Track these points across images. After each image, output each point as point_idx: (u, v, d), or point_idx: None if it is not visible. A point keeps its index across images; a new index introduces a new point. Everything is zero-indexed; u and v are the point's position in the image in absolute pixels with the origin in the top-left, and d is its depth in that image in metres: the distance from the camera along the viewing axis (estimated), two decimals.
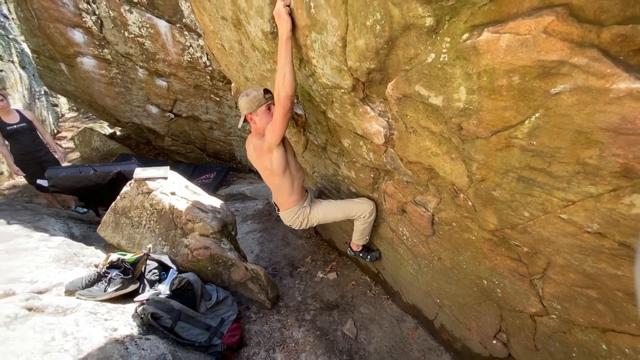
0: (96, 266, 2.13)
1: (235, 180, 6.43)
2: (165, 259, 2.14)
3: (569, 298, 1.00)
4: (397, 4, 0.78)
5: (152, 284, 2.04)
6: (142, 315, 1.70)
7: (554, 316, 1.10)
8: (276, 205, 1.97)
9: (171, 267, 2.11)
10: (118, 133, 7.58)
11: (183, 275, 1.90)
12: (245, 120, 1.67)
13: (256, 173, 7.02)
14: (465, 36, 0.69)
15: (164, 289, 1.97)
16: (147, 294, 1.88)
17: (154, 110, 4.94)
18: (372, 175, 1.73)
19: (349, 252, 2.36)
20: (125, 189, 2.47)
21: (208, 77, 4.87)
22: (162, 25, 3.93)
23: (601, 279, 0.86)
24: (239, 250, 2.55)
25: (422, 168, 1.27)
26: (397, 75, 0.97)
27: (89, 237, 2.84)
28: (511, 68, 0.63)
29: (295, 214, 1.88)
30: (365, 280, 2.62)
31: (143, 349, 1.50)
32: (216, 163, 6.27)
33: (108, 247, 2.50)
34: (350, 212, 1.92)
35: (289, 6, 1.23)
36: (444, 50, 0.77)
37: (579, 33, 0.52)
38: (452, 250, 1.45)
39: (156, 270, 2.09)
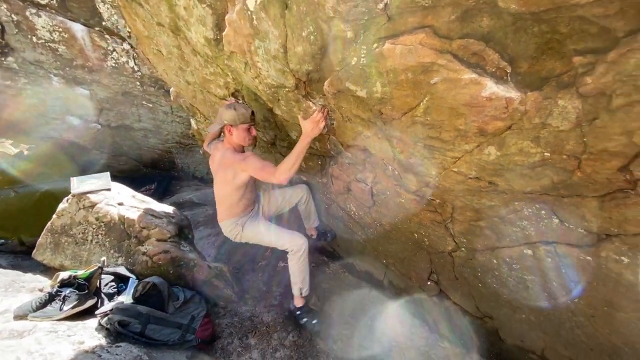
0: (40, 290, 1.98)
1: (180, 189, 6.14)
2: (122, 270, 2.10)
3: (469, 231, 1.37)
4: (325, 20, 1.02)
5: (110, 297, 1.99)
6: (108, 325, 1.68)
7: (463, 249, 1.48)
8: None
9: (130, 277, 2.08)
10: (26, 152, 6.56)
11: (147, 279, 1.90)
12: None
13: (200, 179, 6.79)
14: (375, 45, 0.96)
15: (126, 299, 1.94)
16: (109, 305, 1.84)
17: (75, 121, 4.48)
18: (319, 162, 1.98)
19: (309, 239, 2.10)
20: (62, 205, 2.31)
21: (138, 83, 4.60)
22: (78, 29, 3.61)
23: (484, 211, 1.23)
24: (199, 252, 2.58)
25: (359, 149, 1.56)
26: (331, 74, 1.22)
27: (20, 266, 2.54)
28: (405, 67, 0.91)
29: (230, 227, 1.95)
30: (323, 259, 2.88)
31: (117, 354, 1.52)
32: (155, 173, 5.92)
33: (49, 271, 2.31)
34: (280, 243, 1.95)
35: (323, 113, 1.45)
36: (363, 55, 1.03)
37: (439, 44, 0.82)
38: (390, 215, 1.77)
39: (113, 283, 2.04)
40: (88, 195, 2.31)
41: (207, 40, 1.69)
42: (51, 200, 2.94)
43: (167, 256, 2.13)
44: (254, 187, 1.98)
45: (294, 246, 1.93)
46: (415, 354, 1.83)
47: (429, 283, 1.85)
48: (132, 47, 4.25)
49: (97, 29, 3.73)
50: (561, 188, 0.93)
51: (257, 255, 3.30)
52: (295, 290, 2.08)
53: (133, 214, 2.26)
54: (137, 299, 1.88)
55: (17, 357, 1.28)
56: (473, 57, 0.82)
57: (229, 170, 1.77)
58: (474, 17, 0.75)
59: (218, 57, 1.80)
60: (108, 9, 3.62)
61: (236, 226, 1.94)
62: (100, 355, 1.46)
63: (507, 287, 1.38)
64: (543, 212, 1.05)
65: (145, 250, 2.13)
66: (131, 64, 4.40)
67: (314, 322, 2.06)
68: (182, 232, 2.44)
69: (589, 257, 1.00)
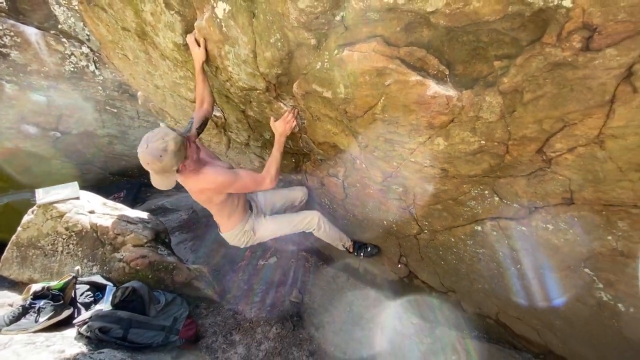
0: (11, 305, 1.90)
1: (150, 196, 5.95)
2: (98, 278, 2.07)
3: (429, 214, 1.54)
4: (290, 29, 1.12)
5: (87, 306, 1.96)
6: (88, 333, 1.68)
7: (425, 231, 1.65)
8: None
9: (107, 285, 2.05)
10: None
11: (125, 285, 1.90)
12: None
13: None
14: (336, 52, 1.08)
15: (104, 306, 1.92)
16: (87, 314, 1.82)
17: (32, 130, 4.21)
18: (293, 160, 2.08)
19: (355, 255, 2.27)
20: (27, 217, 2.22)
21: (100, 88, 4.42)
22: (32, 32, 3.42)
23: (439, 195, 1.39)
24: (177, 255, 2.58)
25: (329, 146, 1.67)
26: (299, 77, 1.32)
27: None
28: (363, 71, 1.04)
29: (237, 236, 1.82)
30: (302, 255, 2.98)
31: (100, 359, 1.52)
32: (123, 181, 5.69)
33: (17, 286, 2.21)
34: (297, 226, 1.93)
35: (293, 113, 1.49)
36: (326, 60, 1.15)
37: (389, 51, 0.95)
38: (361, 206, 1.91)
39: (89, 292, 2.01)
40: (55, 205, 2.24)
41: (177, 45, 1.73)
42: (12, 214, 2.78)
43: (145, 261, 2.12)
44: None
45: (312, 225, 1.93)
46: (389, 332, 1.99)
47: (399, 266, 2.01)
48: (92, 50, 4.08)
49: (52, 32, 3.55)
50: (497, 170, 1.11)
51: (236, 256, 3.34)
52: (340, 247, 2.17)
53: (106, 222, 2.23)
54: (117, 305, 1.87)
55: None
56: (418, 62, 0.96)
57: (207, 194, 1.59)
58: (415, 29, 0.89)
59: (188, 61, 1.83)
60: (64, 11, 3.46)
61: (245, 233, 1.81)
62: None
63: (464, 262, 1.57)
64: (486, 192, 1.23)
65: (122, 257, 2.11)
66: (91, 67, 4.22)
67: (369, 249, 2.16)
68: (159, 237, 2.43)
69: (523, 228, 1.19)
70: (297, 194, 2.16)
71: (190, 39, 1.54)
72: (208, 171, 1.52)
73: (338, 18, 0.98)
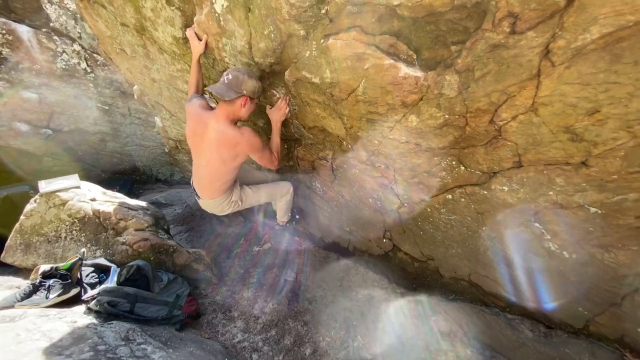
0: (18, 288, 2.00)
1: (143, 192, 6.00)
2: (102, 261, 2.18)
3: (408, 189, 1.73)
4: (282, 22, 1.28)
5: (92, 286, 2.07)
6: (98, 307, 1.80)
7: (405, 204, 1.84)
8: (196, 192, 2.01)
9: (111, 266, 2.17)
10: None
11: (130, 263, 2.03)
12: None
13: (164, 182, 6.66)
14: (322, 41, 1.25)
15: (110, 285, 2.04)
16: (94, 290, 1.94)
17: (23, 127, 4.24)
18: (285, 146, 2.24)
19: (278, 228, 2.81)
20: (30, 206, 2.31)
21: (91, 85, 4.49)
22: (24, 30, 3.46)
23: (415, 169, 1.58)
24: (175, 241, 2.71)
25: (318, 130, 1.85)
26: (290, 66, 1.49)
27: None
28: (345, 57, 1.21)
29: (222, 204, 1.97)
30: (297, 240, 3.14)
31: (111, 327, 1.65)
32: (116, 178, 5.72)
33: (21, 272, 2.30)
34: (274, 195, 2.23)
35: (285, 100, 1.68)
36: (314, 49, 1.32)
37: (366, 39, 1.13)
38: (348, 186, 2.09)
39: (94, 274, 2.12)
40: (58, 194, 2.34)
41: (176, 39, 1.87)
42: (9, 205, 2.85)
43: (147, 243, 2.25)
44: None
45: (285, 191, 2.23)
46: (377, 301, 2.17)
47: (384, 240, 2.20)
48: (83, 48, 4.14)
49: (44, 30, 3.60)
50: (461, 141, 1.30)
51: (232, 245, 3.47)
52: (280, 217, 2.57)
53: (108, 208, 2.34)
54: (123, 283, 2.00)
55: (16, 333, 1.39)
56: (390, 48, 1.15)
57: (230, 151, 1.65)
58: (387, 20, 1.07)
59: (186, 54, 1.98)
60: (55, 9, 3.52)
61: (230, 202, 1.97)
62: (95, 329, 1.59)
63: (440, 230, 1.77)
64: (453, 162, 1.42)
65: (125, 240, 2.23)
66: (83, 65, 4.29)
67: (295, 219, 2.66)
68: (159, 223, 2.56)
69: (485, 192, 1.39)
70: (281, 189, 2.28)
71: (190, 32, 1.68)
72: (248, 129, 1.66)
73: (323, 11, 1.15)
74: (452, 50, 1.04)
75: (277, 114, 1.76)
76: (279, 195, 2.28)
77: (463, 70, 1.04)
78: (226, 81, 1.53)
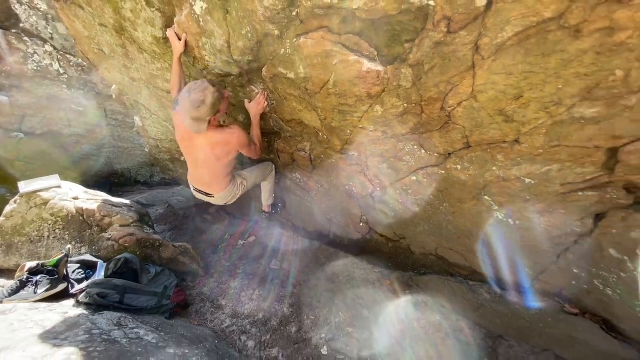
0: (2, 287, 2.01)
1: (122, 195, 5.91)
2: (88, 257, 2.23)
3: (379, 173, 1.91)
4: (258, 23, 1.42)
5: (80, 282, 2.12)
6: (87, 298, 1.86)
7: (378, 188, 2.02)
8: (203, 192, 2.09)
9: (97, 262, 2.22)
10: None
11: (118, 257, 2.09)
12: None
13: (144, 184, 6.57)
14: (295, 40, 1.40)
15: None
16: (83, 284, 1.99)
17: None
18: (266, 140, 2.37)
19: (264, 217, 2.88)
20: (10, 207, 2.31)
21: (64, 86, 4.40)
22: None
23: (384, 155, 1.76)
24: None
25: (296, 123, 1.99)
26: (267, 63, 1.62)
27: None
28: (316, 54, 1.37)
29: (232, 193, 2.12)
30: (280, 232, 3.27)
31: (103, 315, 1.72)
32: (92, 181, 5.61)
33: (2, 274, 2.29)
34: (265, 173, 2.39)
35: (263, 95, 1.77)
36: (288, 47, 1.46)
37: (334, 38, 1.29)
38: (326, 176, 2.25)
39: (80, 270, 2.17)
40: (39, 193, 2.35)
41: (156, 39, 1.96)
42: None
43: (133, 238, 2.31)
44: None
45: (270, 169, 2.36)
46: (357, 281, 2.35)
47: (361, 225, 2.38)
48: (55, 48, 4.07)
49: (14, 31, 3.52)
50: (420, 127, 1.49)
51: (217, 241, 3.55)
52: (265, 201, 2.61)
53: (91, 205, 2.38)
54: (111, 276, 2.06)
55: (9, 323, 1.44)
56: (355, 45, 1.31)
57: (223, 149, 1.80)
58: (350, 21, 1.23)
59: (166, 53, 2.06)
60: (26, 10, 3.46)
61: (238, 186, 2.13)
62: (88, 317, 1.66)
63: (408, 209, 1.96)
64: (415, 147, 1.61)
65: (110, 236, 2.28)
66: (55, 66, 4.21)
67: (279, 207, 2.77)
68: (143, 219, 2.61)
69: (443, 172, 1.59)
70: (267, 168, 2.44)
71: (170, 32, 1.78)
72: (237, 128, 1.78)
73: (294, 14, 1.30)
74: (406, 48, 1.22)
75: (255, 108, 1.89)
76: (267, 173, 2.39)
77: (415, 64, 1.22)
78: (192, 117, 1.60)
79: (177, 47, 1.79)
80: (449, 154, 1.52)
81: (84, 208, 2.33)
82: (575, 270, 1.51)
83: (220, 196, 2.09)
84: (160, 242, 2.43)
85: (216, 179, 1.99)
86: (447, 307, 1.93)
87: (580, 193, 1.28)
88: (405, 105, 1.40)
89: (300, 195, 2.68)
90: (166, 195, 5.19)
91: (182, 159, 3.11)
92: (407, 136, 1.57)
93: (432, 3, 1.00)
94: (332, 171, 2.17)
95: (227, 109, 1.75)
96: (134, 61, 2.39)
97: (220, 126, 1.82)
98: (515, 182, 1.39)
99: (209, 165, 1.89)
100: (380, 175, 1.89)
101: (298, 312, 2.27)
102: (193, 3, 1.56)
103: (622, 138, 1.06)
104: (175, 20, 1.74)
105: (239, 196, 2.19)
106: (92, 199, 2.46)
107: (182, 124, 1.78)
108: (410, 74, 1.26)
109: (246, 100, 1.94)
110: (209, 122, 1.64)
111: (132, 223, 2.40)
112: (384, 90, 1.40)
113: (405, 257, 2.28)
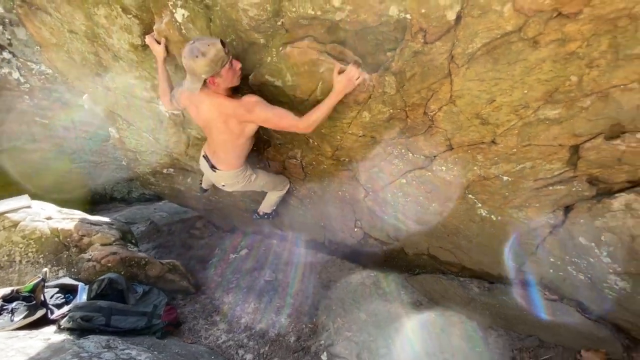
0: None
1: (97, 214, 5.61)
2: (66, 280, 2.11)
3: (370, 177, 1.95)
4: (243, 31, 1.42)
5: (59, 307, 2.00)
6: (70, 322, 1.75)
7: (370, 193, 2.06)
8: (210, 162, 1.92)
9: (77, 285, 2.10)
10: None
11: (101, 277, 1.99)
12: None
13: (121, 200, 6.25)
14: (281, 48, 1.41)
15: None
16: (65, 308, 1.88)
17: None
18: (255, 149, 2.34)
19: (255, 218, 2.72)
20: None
21: (27, 97, 4.13)
22: None
23: (374, 159, 1.80)
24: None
25: (286, 130, 1.99)
26: (254, 70, 1.62)
27: None
28: (302, 62, 1.38)
29: (239, 176, 1.95)
30: (272, 242, 3.22)
31: (89, 339, 1.64)
32: (62, 200, 5.28)
33: None
34: (275, 185, 2.29)
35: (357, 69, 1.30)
36: (274, 55, 1.47)
37: (319, 47, 1.31)
38: (318, 182, 2.26)
39: (59, 294, 2.04)
40: (6, 215, 2.19)
41: (134, 46, 1.89)
42: None
43: (116, 257, 2.21)
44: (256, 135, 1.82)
45: (283, 185, 2.30)
46: (353, 286, 2.38)
47: (355, 230, 2.42)
48: (14, 56, 3.81)
49: None
50: (406, 132, 1.54)
51: (206, 256, 3.43)
52: (264, 208, 2.57)
53: (67, 225, 2.25)
54: (94, 299, 1.95)
55: None
56: (340, 54, 1.34)
57: (232, 121, 1.59)
58: (334, 31, 1.26)
59: (144, 61, 2.00)
60: None
61: (245, 175, 1.97)
62: (73, 341, 1.57)
63: (400, 211, 2.02)
64: (403, 150, 1.67)
65: (91, 256, 2.17)
66: (15, 75, 3.95)
67: (273, 214, 2.67)
68: (126, 237, 2.50)
69: (429, 173, 1.66)
70: (281, 182, 2.33)
71: (149, 39, 1.73)
72: (251, 97, 1.53)
73: (279, 23, 1.31)
74: (388, 56, 1.27)
75: (344, 85, 1.34)
76: (278, 187, 2.31)
77: (397, 72, 1.27)
78: (187, 67, 1.41)
79: (159, 51, 1.73)
80: (434, 157, 1.58)
81: (59, 228, 2.20)
82: (551, 259, 1.63)
83: (224, 175, 1.92)
84: (147, 260, 2.34)
85: (228, 153, 1.81)
86: (439, 304, 2.00)
87: (551, 187, 1.38)
88: (391, 110, 1.45)
89: (294, 204, 2.67)
90: (147, 211, 4.97)
91: (165, 171, 3.01)
92: (395, 140, 1.62)
93: (408, 16, 1.06)
94: (325, 178, 2.19)
95: (233, 81, 1.50)
96: (109, 69, 2.30)
97: (233, 95, 1.58)
98: (494, 180, 1.47)
99: (222, 138, 1.71)
100: (372, 180, 1.94)
101: (296, 321, 2.26)
102: (174, 10, 1.53)
103: (581, 136, 1.17)
104: (154, 27, 1.69)
105: (239, 187, 2.04)
106: (67, 218, 2.32)
107: (187, 99, 1.67)
108: (393, 81, 1.31)
109: (336, 71, 1.34)
110: (205, 83, 1.44)
111: (114, 241, 2.29)
112: (370, 97, 1.44)
113: (400, 259, 2.33)
